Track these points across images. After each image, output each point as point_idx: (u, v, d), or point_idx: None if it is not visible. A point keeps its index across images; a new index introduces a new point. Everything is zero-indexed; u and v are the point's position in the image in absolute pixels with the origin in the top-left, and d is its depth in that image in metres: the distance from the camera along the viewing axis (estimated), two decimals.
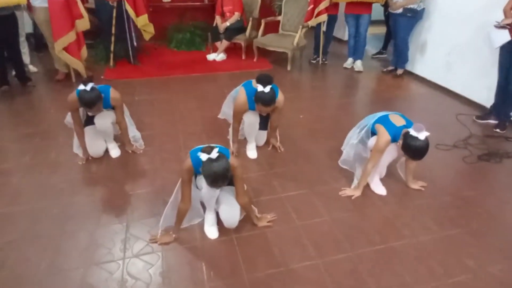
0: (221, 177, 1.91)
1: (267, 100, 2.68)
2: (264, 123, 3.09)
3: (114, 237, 2.27)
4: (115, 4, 4.80)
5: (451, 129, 3.67)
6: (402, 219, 2.47)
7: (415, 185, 2.78)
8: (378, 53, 6.08)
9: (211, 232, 2.28)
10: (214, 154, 1.90)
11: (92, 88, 2.64)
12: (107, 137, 3.06)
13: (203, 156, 1.91)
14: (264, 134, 3.23)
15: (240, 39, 5.62)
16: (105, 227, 2.35)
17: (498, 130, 3.66)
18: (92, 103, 2.66)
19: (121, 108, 2.97)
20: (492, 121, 3.78)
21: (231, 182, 2.16)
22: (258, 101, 2.71)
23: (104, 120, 2.93)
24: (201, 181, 2.10)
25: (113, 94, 2.88)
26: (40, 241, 2.23)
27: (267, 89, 2.66)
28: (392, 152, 2.59)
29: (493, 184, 2.91)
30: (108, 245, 2.22)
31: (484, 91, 4.02)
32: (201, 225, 2.34)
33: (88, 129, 2.99)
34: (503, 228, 2.44)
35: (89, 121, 2.99)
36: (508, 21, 3.33)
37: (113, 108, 2.94)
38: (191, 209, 2.21)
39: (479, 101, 4.15)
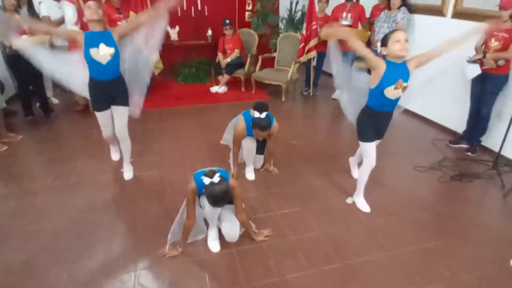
0: (221, 198, 2.00)
1: (263, 125, 2.79)
2: (261, 148, 3.19)
3: (127, 251, 2.33)
4: None
5: (427, 153, 3.76)
6: (384, 232, 2.54)
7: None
8: None
9: (214, 246, 2.35)
10: (216, 178, 1.99)
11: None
12: (125, 157, 3.14)
13: (206, 180, 1.99)
14: (261, 158, 3.32)
15: (240, 73, 5.75)
16: (119, 242, 2.42)
17: (469, 153, 3.74)
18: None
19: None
20: (464, 145, 3.87)
21: (231, 201, 2.24)
22: (255, 126, 2.81)
23: (120, 111, 2.95)
24: (204, 201, 2.18)
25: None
26: (61, 255, 2.29)
27: (263, 115, 2.78)
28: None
29: (465, 201, 2.99)
30: (121, 258, 2.28)
31: (457, 119, 4.12)
32: (205, 240, 2.41)
33: (101, 114, 2.95)
34: (475, 240, 2.51)
35: (105, 105, 2.92)
36: (479, 56, 3.44)
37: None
38: (195, 226, 2.28)
39: (452, 128, 4.26)
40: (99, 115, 2.94)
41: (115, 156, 3.48)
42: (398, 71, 2.34)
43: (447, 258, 2.32)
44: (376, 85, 2.39)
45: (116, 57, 2.69)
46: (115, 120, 2.96)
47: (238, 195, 2.21)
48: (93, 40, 2.58)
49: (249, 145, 3.07)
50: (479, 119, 3.69)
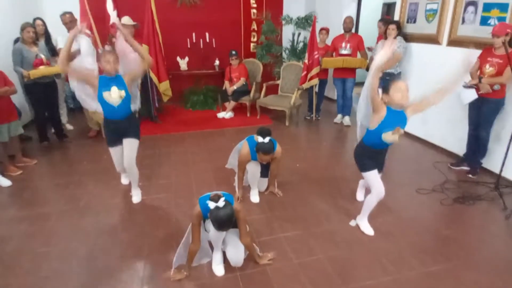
0: (226, 222, 1.98)
1: (266, 149, 2.80)
2: (265, 171, 3.18)
3: (133, 275, 2.28)
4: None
5: (429, 175, 3.70)
6: (388, 256, 2.47)
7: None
8: None
9: (218, 270, 2.29)
10: (221, 202, 1.98)
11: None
12: (133, 182, 3.15)
13: (211, 205, 1.98)
14: (265, 181, 3.30)
15: (245, 100, 5.82)
16: (125, 265, 2.37)
17: (470, 175, 3.69)
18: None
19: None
20: (465, 168, 3.82)
21: (235, 225, 2.20)
22: (259, 150, 2.82)
23: (130, 147, 3.01)
24: (209, 224, 2.15)
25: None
26: (69, 277, 2.26)
27: (266, 139, 2.80)
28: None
29: (468, 224, 2.91)
30: (128, 281, 2.23)
31: (457, 142, 4.09)
32: (209, 264, 2.35)
33: (113, 150, 3.08)
34: (478, 263, 2.42)
35: (116, 142, 3.02)
36: (474, 82, 3.44)
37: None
38: (200, 250, 2.24)
39: (453, 150, 4.21)
40: (112, 150, 3.08)
41: (125, 181, 3.49)
42: (397, 118, 2.38)
43: (451, 281, 2.24)
44: (376, 128, 2.42)
45: (127, 98, 2.84)
46: (124, 151, 2.99)
47: (243, 219, 2.18)
48: (106, 84, 2.75)
49: (253, 168, 3.06)
50: (478, 142, 3.65)
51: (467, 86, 3.53)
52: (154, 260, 2.42)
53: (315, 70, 5.22)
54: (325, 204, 3.11)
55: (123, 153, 3.01)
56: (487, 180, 3.51)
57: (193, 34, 6.41)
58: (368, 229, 2.74)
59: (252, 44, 6.83)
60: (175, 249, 2.30)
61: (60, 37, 4.54)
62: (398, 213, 3.00)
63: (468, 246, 2.59)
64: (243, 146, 3.00)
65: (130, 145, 2.98)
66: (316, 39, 5.26)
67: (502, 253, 2.53)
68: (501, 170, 3.25)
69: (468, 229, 2.83)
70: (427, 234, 2.73)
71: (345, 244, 2.60)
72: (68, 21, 4.48)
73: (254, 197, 3.20)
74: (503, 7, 3.52)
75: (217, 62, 6.46)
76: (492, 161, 3.69)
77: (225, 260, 2.34)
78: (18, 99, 4.41)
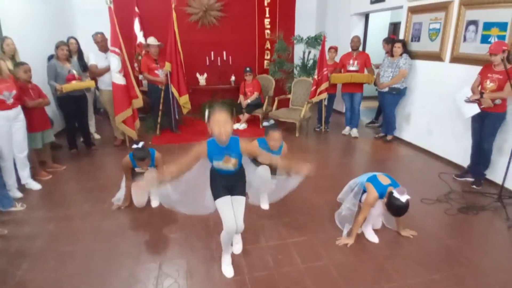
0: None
1: (273, 127, 2.82)
2: (273, 170, 3.05)
3: (149, 274, 2.27)
4: (163, 87, 5.18)
5: (434, 186, 3.59)
6: (392, 263, 2.37)
7: (406, 233, 2.70)
8: (371, 122, 6.17)
9: (228, 271, 2.26)
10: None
11: (143, 146, 2.84)
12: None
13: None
14: (273, 183, 3.22)
15: (258, 112, 5.83)
16: (143, 265, 2.36)
17: (474, 186, 3.55)
18: (144, 157, 2.82)
19: (162, 168, 3.08)
20: (469, 179, 3.69)
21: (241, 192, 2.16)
22: (267, 134, 2.83)
23: (151, 175, 3.04)
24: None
25: (157, 155, 3.03)
26: (91, 275, 2.26)
27: (271, 122, 2.90)
28: (379, 206, 2.56)
29: (471, 233, 2.79)
30: (144, 280, 2.22)
31: (461, 153, 3.97)
32: (219, 265, 2.31)
33: (135, 184, 3.11)
34: (481, 271, 2.30)
35: (137, 178, 3.10)
36: (476, 97, 3.37)
37: (156, 166, 3.07)
38: (196, 203, 2.25)
39: (457, 162, 4.08)
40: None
41: (154, 204, 3.23)
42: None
43: None
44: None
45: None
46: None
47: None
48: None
49: (262, 173, 2.99)
50: (481, 154, 3.54)
51: (469, 101, 3.44)
52: (169, 261, 2.41)
53: (324, 85, 5.19)
54: (332, 212, 3.01)
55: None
56: (490, 191, 3.37)
57: (212, 53, 6.50)
58: (372, 237, 2.65)
59: (265, 61, 6.87)
60: (189, 251, 2.27)
61: (91, 54, 4.66)
62: (403, 221, 2.89)
63: (471, 255, 2.47)
64: (254, 142, 2.96)
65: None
66: (326, 56, 5.25)
67: (504, 262, 2.40)
68: (503, 181, 3.12)
69: (471, 238, 2.71)
70: (431, 243, 2.62)
71: (350, 251, 2.52)
72: (100, 40, 4.62)
73: (264, 205, 3.15)
74: (502, 26, 3.45)
75: (233, 78, 6.52)
76: (495, 173, 3.55)
77: (233, 262, 2.30)
78: (51, 110, 4.54)
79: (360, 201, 2.64)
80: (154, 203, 3.18)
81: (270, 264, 2.36)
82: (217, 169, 2.12)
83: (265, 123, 2.87)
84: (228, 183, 2.15)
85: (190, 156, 2.02)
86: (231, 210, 2.12)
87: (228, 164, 2.04)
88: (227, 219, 2.08)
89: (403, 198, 2.32)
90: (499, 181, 3.31)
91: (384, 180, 2.54)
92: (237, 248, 2.49)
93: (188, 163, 2.03)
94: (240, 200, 2.17)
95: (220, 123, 1.92)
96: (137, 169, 3.01)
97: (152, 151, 2.99)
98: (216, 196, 2.13)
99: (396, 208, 2.36)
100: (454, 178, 3.78)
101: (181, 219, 2.94)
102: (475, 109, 3.42)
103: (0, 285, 2.16)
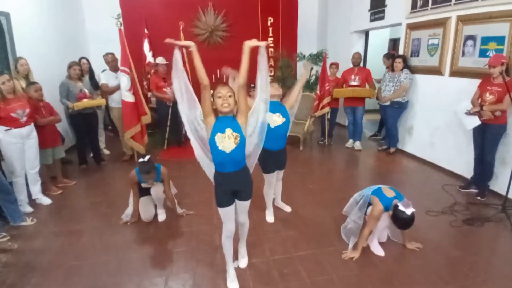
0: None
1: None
2: (281, 164, 3.08)
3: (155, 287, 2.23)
4: (171, 104, 5.21)
5: (438, 198, 3.51)
6: (398, 277, 2.30)
7: (411, 246, 2.63)
8: (373, 135, 6.12)
9: (233, 286, 2.20)
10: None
11: (148, 160, 2.84)
12: (158, 203, 3.12)
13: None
14: (279, 186, 3.21)
15: None
16: (149, 280, 2.32)
17: (479, 197, 3.47)
18: (149, 170, 2.82)
19: (168, 182, 3.09)
20: (474, 190, 3.61)
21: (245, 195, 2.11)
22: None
23: (158, 189, 3.04)
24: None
25: (163, 170, 3.02)
26: None
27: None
28: (385, 219, 2.50)
29: (477, 245, 2.70)
30: None
31: (464, 165, 3.90)
32: (224, 280, 2.26)
33: (142, 199, 3.09)
34: (487, 283, 2.23)
35: (144, 193, 3.10)
36: (476, 109, 3.35)
37: (161, 181, 3.06)
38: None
39: (461, 173, 4.00)
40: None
41: (161, 218, 3.19)
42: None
43: None
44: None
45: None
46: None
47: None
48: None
49: (269, 179, 2.98)
50: (484, 165, 3.48)
51: (470, 113, 3.41)
52: (175, 275, 2.36)
53: (326, 100, 5.20)
54: (337, 225, 2.95)
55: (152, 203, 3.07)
56: (495, 202, 3.29)
57: (218, 71, 6.56)
58: (378, 250, 2.59)
59: (269, 78, 6.91)
60: (194, 265, 2.23)
61: (102, 74, 4.74)
62: (408, 234, 2.81)
63: (478, 267, 2.39)
64: None
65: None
66: (327, 72, 5.27)
67: (510, 273, 2.32)
68: (507, 192, 3.05)
69: (477, 250, 2.63)
70: (437, 255, 2.54)
71: (356, 265, 2.45)
72: (110, 60, 4.69)
73: (269, 217, 3.11)
74: (500, 40, 3.44)
75: None
76: (499, 184, 3.47)
77: (239, 276, 2.25)
78: (62, 126, 4.58)
79: (365, 214, 2.59)
80: (161, 217, 3.15)
81: (276, 278, 2.30)
82: (220, 170, 2.03)
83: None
84: (234, 186, 2.05)
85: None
86: (232, 217, 2.13)
87: (230, 140, 1.94)
88: (227, 223, 2.12)
89: (409, 211, 2.27)
90: (503, 192, 3.23)
91: (388, 192, 2.49)
92: (243, 262, 2.44)
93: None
94: (244, 204, 2.15)
95: (222, 94, 1.94)
96: (143, 185, 3.00)
97: (158, 166, 2.99)
98: (219, 204, 2.08)
99: (402, 221, 2.31)
100: (458, 189, 3.70)
101: (187, 233, 2.91)
102: (475, 122, 3.39)
103: None
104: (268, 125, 2.37)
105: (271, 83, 2.61)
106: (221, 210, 2.09)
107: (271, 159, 2.91)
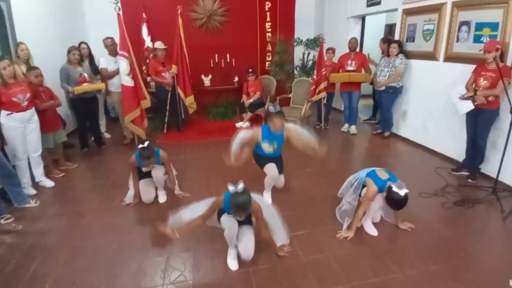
0: (243, 207, 1.94)
1: (277, 114, 2.77)
2: (280, 168, 3.10)
3: (156, 267, 2.23)
4: (170, 89, 5.13)
5: (430, 180, 3.51)
6: (391, 256, 2.31)
7: (404, 226, 2.63)
8: (368, 119, 6.08)
9: (232, 264, 2.21)
10: (240, 187, 1.93)
11: (148, 145, 2.79)
12: (159, 185, 3.10)
13: (231, 188, 1.93)
14: (281, 178, 3.20)
15: (261, 111, 5.75)
16: (150, 258, 2.32)
17: (470, 180, 3.47)
18: (149, 156, 2.79)
19: (168, 164, 3.06)
20: (465, 173, 3.60)
21: (249, 221, 2.17)
22: (270, 119, 2.80)
23: (159, 172, 3.01)
24: (224, 220, 2.10)
25: (162, 153, 2.99)
26: (100, 268, 2.23)
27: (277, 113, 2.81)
28: (379, 200, 2.50)
29: (467, 226, 2.71)
30: (151, 273, 2.18)
31: (456, 148, 3.89)
32: (224, 258, 2.27)
33: (142, 182, 3.07)
34: (477, 263, 2.24)
35: (144, 176, 3.07)
36: (470, 94, 3.30)
37: (162, 164, 3.03)
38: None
39: (453, 157, 3.99)
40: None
41: (162, 200, 3.18)
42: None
43: (451, 280, 2.07)
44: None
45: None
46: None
47: (261, 216, 2.11)
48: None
49: (271, 171, 2.96)
50: (476, 149, 3.46)
51: (463, 98, 3.37)
52: (175, 255, 2.37)
53: (323, 85, 5.11)
54: (332, 206, 2.95)
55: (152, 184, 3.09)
56: (485, 184, 3.29)
57: (216, 55, 6.44)
58: (371, 230, 2.59)
59: (267, 63, 6.79)
60: (195, 245, 2.22)
61: (102, 58, 4.62)
62: (401, 215, 2.82)
63: (468, 247, 2.41)
64: (255, 131, 2.96)
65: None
66: (324, 57, 5.17)
67: (499, 253, 2.35)
68: (497, 175, 3.05)
69: (467, 230, 2.64)
70: (429, 235, 2.56)
71: (350, 244, 2.46)
72: (109, 44, 4.58)
73: (267, 199, 3.09)
74: (494, 26, 3.37)
75: (236, 79, 6.45)
76: (489, 167, 3.47)
77: (239, 255, 2.25)
78: (64, 111, 4.52)
79: (359, 195, 2.58)
80: (162, 199, 3.14)
81: (273, 257, 2.31)
82: (228, 208, 2.06)
83: (270, 107, 2.78)
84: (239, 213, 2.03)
85: (210, 209, 2.14)
86: (235, 235, 2.17)
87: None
88: (228, 229, 2.15)
89: (402, 192, 2.26)
90: (493, 175, 3.22)
91: (382, 175, 2.48)
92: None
93: (207, 215, 2.15)
94: (248, 230, 2.22)
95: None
96: (143, 169, 2.97)
97: (157, 150, 2.94)
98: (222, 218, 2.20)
99: (395, 202, 2.30)
100: (450, 172, 3.70)
101: None
102: (469, 106, 3.35)
103: (15, 278, 2.13)
104: (262, 149, 2.96)
105: (279, 119, 2.74)
106: (223, 220, 2.17)
107: (268, 160, 3.00)
